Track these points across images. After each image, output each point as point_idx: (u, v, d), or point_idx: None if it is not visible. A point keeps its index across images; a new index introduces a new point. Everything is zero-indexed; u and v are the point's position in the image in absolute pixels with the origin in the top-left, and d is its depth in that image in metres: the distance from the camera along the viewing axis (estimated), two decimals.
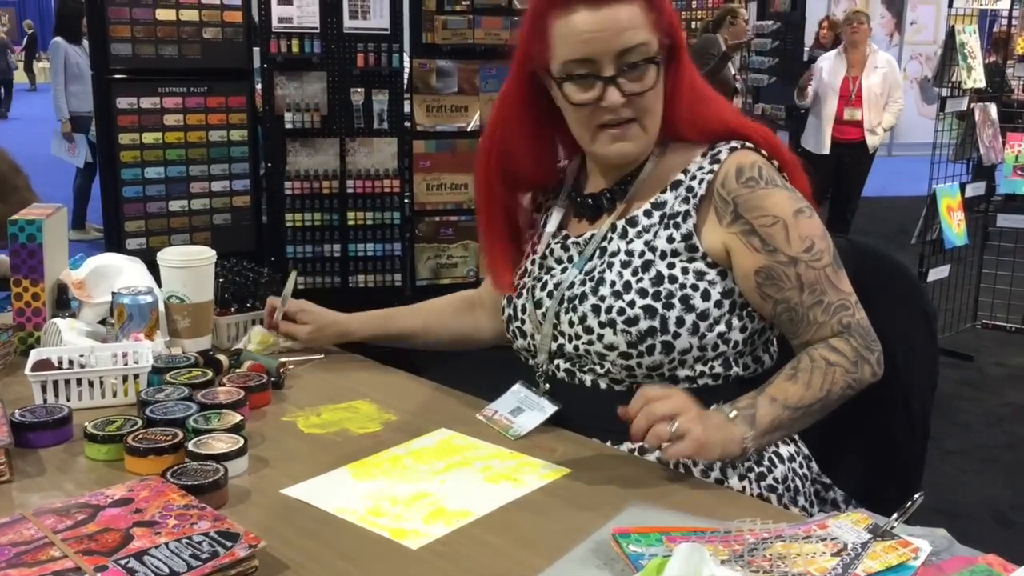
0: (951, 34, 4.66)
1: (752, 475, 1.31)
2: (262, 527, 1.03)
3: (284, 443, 1.31)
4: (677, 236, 1.31)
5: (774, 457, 1.34)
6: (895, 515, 1.02)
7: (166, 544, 0.95)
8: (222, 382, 1.44)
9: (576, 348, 1.35)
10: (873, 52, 6.04)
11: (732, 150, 1.33)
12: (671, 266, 1.31)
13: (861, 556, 0.96)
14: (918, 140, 11.03)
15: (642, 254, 1.32)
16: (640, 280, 1.30)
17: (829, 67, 6.02)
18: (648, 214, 1.34)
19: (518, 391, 1.42)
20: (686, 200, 1.32)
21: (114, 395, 1.42)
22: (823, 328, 1.30)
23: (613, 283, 1.32)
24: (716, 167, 1.32)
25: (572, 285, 1.36)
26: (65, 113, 6.57)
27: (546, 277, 1.41)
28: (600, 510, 1.11)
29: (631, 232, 1.35)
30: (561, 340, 1.37)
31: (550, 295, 1.38)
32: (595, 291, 1.33)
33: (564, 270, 1.40)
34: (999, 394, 4.21)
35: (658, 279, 1.30)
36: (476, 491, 1.17)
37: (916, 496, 1.05)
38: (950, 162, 4.79)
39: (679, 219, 1.32)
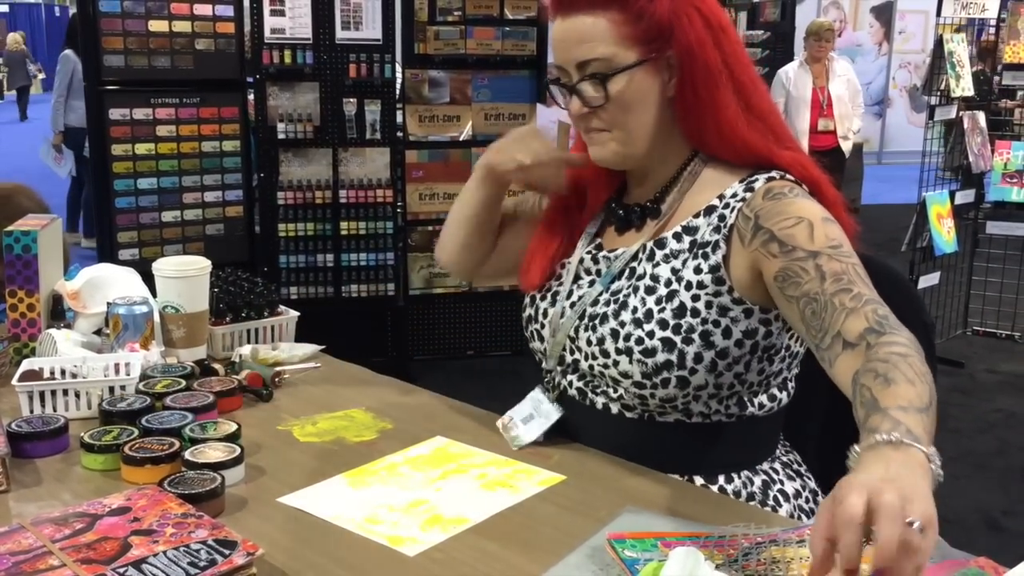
0: (939, 43, 4.70)
1: (739, 500, 1.29)
2: (259, 535, 1.04)
3: (280, 452, 1.32)
4: (705, 267, 1.26)
5: (779, 495, 1.31)
6: None
7: (164, 552, 0.95)
8: (193, 387, 1.44)
9: (591, 368, 1.32)
10: (832, 60, 6.10)
11: (769, 179, 1.26)
12: (695, 298, 1.26)
13: None
14: (908, 148, 11.11)
15: (668, 282, 1.27)
16: (663, 310, 1.26)
17: (794, 80, 6.04)
18: (678, 238, 1.29)
19: (535, 396, 1.40)
20: (717, 230, 1.26)
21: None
22: (854, 316, 1.10)
23: (635, 309, 1.27)
24: (749, 195, 1.26)
25: (596, 303, 1.33)
26: (60, 126, 6.58)
27: (573, 287, 1.37)
28: (595, 516, 1.12)
29: (658, 255, 1.30)
30: (577, 355, 1.33)
31: (572, 306, 1.35)
32: (616, 315, 1.29)
33: (591, 283, 1.36)
34: (990, 400, 4.24)
35: (680, 311, 1.25)
36: (472, 498, 1.18)
37: None
38: (940, 170, 4.83)
39: (708, 249, 1.26)
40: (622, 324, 1.27)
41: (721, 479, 1.30)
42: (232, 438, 1.26)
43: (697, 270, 1.26)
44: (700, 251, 1.27)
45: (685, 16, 1.25)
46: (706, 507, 1.17)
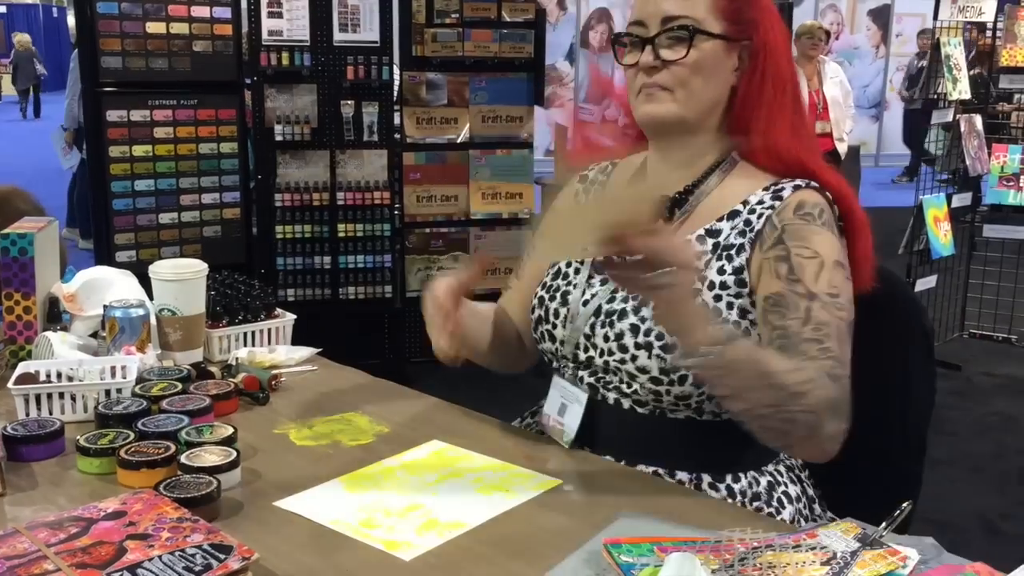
0: (936, 46, 4.70)
1: (738, 505, 1.29)
2: (255, 540, 1.04)
3: (277, 456, 1.32)
4: (729, 269, 1.28)
5: (783, 497, 1.32)
6: (884, 524, 1.03)
7: (159, 557, 0.95)
8: (189, 390, 1.44)
9: (606, 364, 1.32)
10: (822, 62, 6.10)
11: (796, 188, 1.28)
12: (717, 298, 1.27)
13: (850, 565, 0.97)
14: (905, 151, 11.12)
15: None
16: None
17: None
18: (701, 240, 1.30)
19: (557, 384, 1.40)
20: (742, 234, 1.28)
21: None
22: (814, 362, 1.18)
23: None
24: (777, 203, 1.28)
25: (613, 299, 1.33)
26: (75, 123, 6.58)
27: (584, 285, 1.38)
28: (591, 520, 1.12)
29: None
30: (591, 352, 1.34)
31: (585, 304, 1.36)
32: (637, 310, 1.29)
33: (604, 281, 1.36)
34: (987, 403, 4.24)
35: None
36: (469, 502, 1.18)
37: (904, 505, 1.06)
38: (937, 172, 4.83)
39: (733, 252, 1.28)
40: (643, 319, 1.29)
41: (728, 478, 1.31)
42: (228, 442, 1.26)
43: (720, 271, 1.28)
44: (724, 253, 1.29)
45: (771, 18, 1.31)
46: (702, 512, 1.17)
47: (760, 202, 1.29)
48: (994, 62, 5.20)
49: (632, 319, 1.30)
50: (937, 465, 3.45)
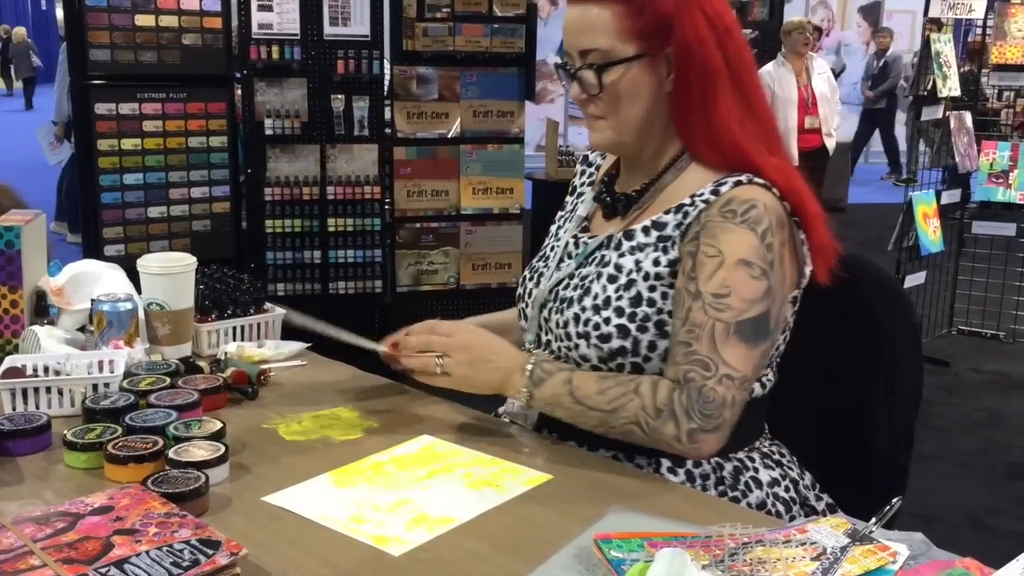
0: (926, 43, 4.71)
1: (725, 499, 1.30)
2: (244, 535, 1.03)
3: (265, 450, 1.31)
4: (664, 260, 1.30)
5: (751, 482, 1.33)
6: (873, 520, 1.03)
7: (147, 552, 0.94)
8: (178, 385, 1.43)
9: (558, 349, 1.37)
10: (810, 58, 6.12)
11: (737, 183, 1.28)
12: (652, 289, 1.30)
13: (840, 560, 0.97)
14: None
15: (629, 272, 1.32)
16: (620, 298, 1.30)
17: (777, 79, 6.03)
18: (646, 231, 1.33)
19: None
20: (679, 225, 1.31)
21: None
22: (672, 369, 1.24)
23: (596, 295, 1.32)
24: (713, 198, 1.29)
25: (567, 286, 1.38)
26: (65, 116, 6.53)
27: (555, 269, 1.43)
28: (582, 516, 1.12)
29: (625, 246, 1.34)
30: (549, 336, 1.39)
31: (550, 288, 1.41)
32: (580, 300, 1.34)
33: (580, 264, 1.40)
34: (975, 399, 4.26)
35: (636, 300, 1.30)
36: (458, 497, 1.17)
37: (894, 501, 1.06)
38: (926, 169, 4.85)
39: (669, 244, 1.31)
40: (583, 309, 1.33)
41: (688, 463, 1.31)
42: (217, 436, 1.25)
43: (656, 262, 1.31)
44: (662, 244, 1.32)
45: (688, 15, 1.28)
46: (693, 507, 1.17)
47: (703, 197, 1.30)
48: (984, 59, 5.21)
49: (575, 308, 1.34)
50: (925, 461, 3.47)
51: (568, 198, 1.55)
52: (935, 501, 3.19)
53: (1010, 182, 4.82)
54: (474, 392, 1.34)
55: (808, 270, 1.33)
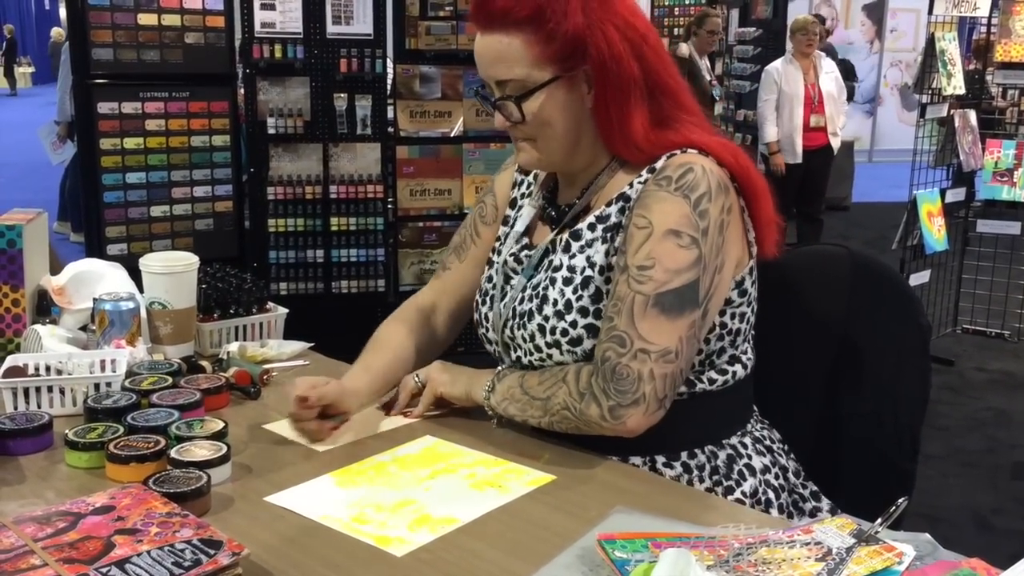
0: (931, 41, 4.70)
1: (719, 489, 1.30)
2: (245, 535, 1.03)
3: (267, 450, 1.31)
4: (612, 250, 1.29)
5: (744, 470, 1.33)
6: (879, 520, 1.03)
7: (148, 552, 0.94)
8: (180, 384, 1.43)
9: (532, 363, 1.35)
10: (818, 57, 6.10)
11: (670, 156, 1.28)
12: (608, 280, 1.29)
13: (846, 561, 0.96)
14: (899, 146, 11.13)
15: (583, 270, 1.31)
16: (580, 298, 1.29)
17: (784, 77, 6.03)
18: (592, 228, 1.33)
19: None
20: (622, 211, 1.31)
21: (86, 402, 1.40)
22: (597, 347, 1.24)
23: (555, 302, 1.31)
24: (650, 175, 1.29)
25: (522, 300, 1.36)
26: (68, 116, 6.53)
27: (507, 287, 1.41)
28: (585, 516, 1.11)
29: (574, 246, 1.33)
30: (518, 352, 1.37)
31: (505, 306, 1.39)
32: (540, 309, 1.32)
33: (530, 278, 1.38)
34: (980, 399, 4.25)
35: (597, 296, 1.29)
36: (461, 498, 1.17)
37: (900, 501, 1.05)
38: (930, 168, 4.83)
39: (615, 232, 1.30)
40: (546, 318, 1.31)
41: (683, 455, 1.31)
42: (219, 436, 1.25)
43: (607, 253, 1.30)
44: (609, 234, 1.31)
45: (600, 31, 1.26)
46: (697, 507, 1.17)
47: (641, 179, 1.30)
48: (989, 57, 5.20)
49: (538, 319, 1.32)
50: (929, 460, 3.46)
51: (509, 211, 1.50)
52: (940, 501, 3.18)
53: (1015, 180, 4.81)
54: (447, 388, 1.39)
55: (752, 237, 1.33)
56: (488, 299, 1.44)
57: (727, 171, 1.28)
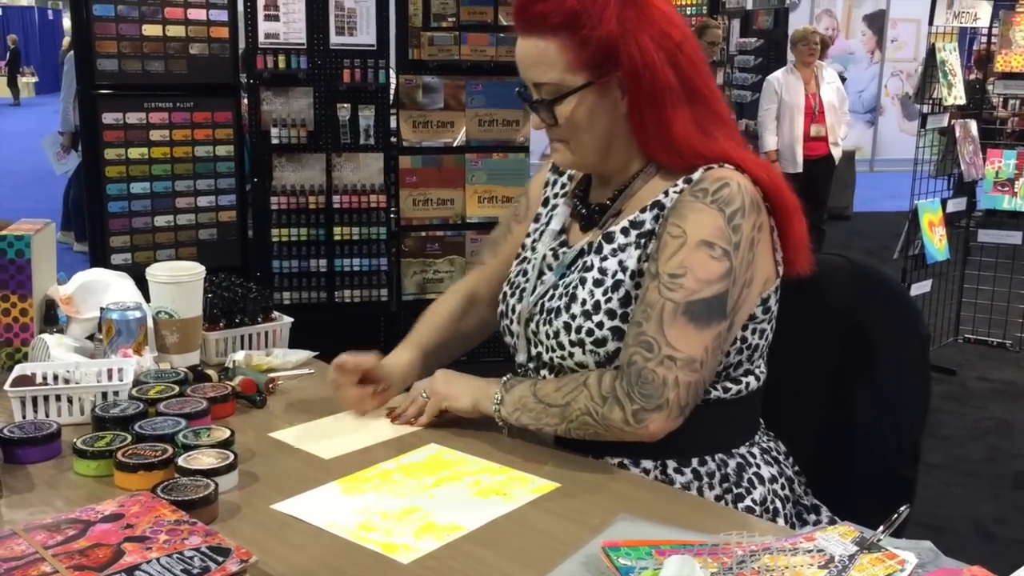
0: (932, 52, 4.72)
1: (730, 496, 1.31)
2: (253, 542, 1.04)
3: (274, 459, 1.32)
4: (646, 255, 1.31)
5: (754, 478, 1.34)
6: (881, 528, 1.03)
7: (157, 559, 0.95)
8: (186, 393, 1.44)
9: (551, 360, 1.37)
10: (820, 67, 6.12)
11: (708, 168, 1.30)
12: (639, 286, 1.30)
13: (848, 568, 0.97)
14: (900, 156, 11.15)
15: (615, 273, 1.32)
16: (609, 300, 1.31)
17: (785, 86, 6.04)
18: (625, 232, 1.34)
19: None
20: (657, 219, 1.32)
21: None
22: (623, 351, 1.26)
23: (584, 301, 1.32)
24: (687, 185, 1.31)
25: (552, 297, 1.38)
26: (71, 126, 6.56)
27: (537, 283, 1.42)
28: (590, 524, 1.12)
29: (606, 249, 1.35)
30: (540, 348, 1.39)
31: (534, 302, 1.40)
32: (567, 308, 1.34)
33: (562, 275, 1.40)
34: (982, 408, 4.25)
35: (626, 300, 1.30)
36: (466, 505, 1.18)
37: (902, 509, 1.06)
38: (931, 178, 4.85)
39: (648, 238, 1.32)
40: (573, 317, 1.32)
41: (694, 462, 1.32)
42: (225, 444, 1.26)
43: (640, 259, 1.31)
44: (643, 240, 1.32)
45: (634, 40, 1.28)
46: (701, 515, 1.17)
47: (677, 188, 1.32)
48: (990, 67, 5.21)
49: (564, 317, 1.34)
50: (931, 469, 3.46)
51: (541, 209, 1.52)
52: (941, 510, 3.18)
53: (1016, 190, 4.82)
54: (453, 402, 1.40)
55: (779, 256, 1.34)
56: (518, 292, 1.44)
57: (760, 189, 1.30)
